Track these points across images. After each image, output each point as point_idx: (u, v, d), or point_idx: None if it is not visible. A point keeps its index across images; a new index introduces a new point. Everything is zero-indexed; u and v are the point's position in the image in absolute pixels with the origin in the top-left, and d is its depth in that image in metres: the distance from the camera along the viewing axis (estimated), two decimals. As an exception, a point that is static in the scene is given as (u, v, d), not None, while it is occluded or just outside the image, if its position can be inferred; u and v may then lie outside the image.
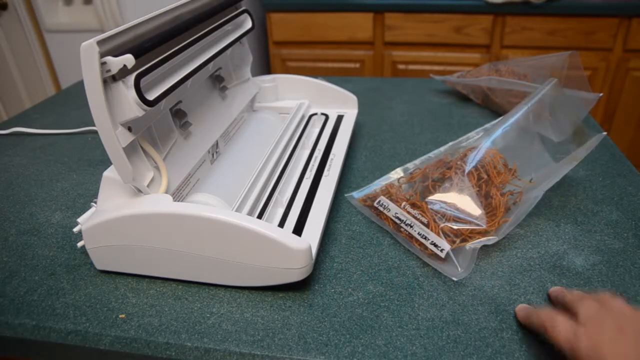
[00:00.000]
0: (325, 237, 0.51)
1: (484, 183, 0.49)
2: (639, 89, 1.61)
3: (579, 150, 0.52)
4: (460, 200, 0.48)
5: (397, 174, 0.56)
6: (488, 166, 0.50)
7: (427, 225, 0.47)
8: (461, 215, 0.47)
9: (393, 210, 0.49)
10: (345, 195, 0.55)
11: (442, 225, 0.46)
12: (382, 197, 0.51)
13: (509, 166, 0.52)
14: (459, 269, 0.44)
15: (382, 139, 0.72)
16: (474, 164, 0.50)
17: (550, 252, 0.47)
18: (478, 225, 0.46)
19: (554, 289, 0.42)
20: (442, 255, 0.45)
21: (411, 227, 0.47)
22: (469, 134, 0.56)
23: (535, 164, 0.53)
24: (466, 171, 0.49)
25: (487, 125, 0.56)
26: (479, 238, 0.46)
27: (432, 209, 0.48)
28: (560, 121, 0.69)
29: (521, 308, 0.40)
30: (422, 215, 0.47)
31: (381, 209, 0.51)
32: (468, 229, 0.46)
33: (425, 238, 0.46)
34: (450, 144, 0.56)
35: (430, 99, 0.86)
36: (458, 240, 0.46)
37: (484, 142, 0.52)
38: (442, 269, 0.45)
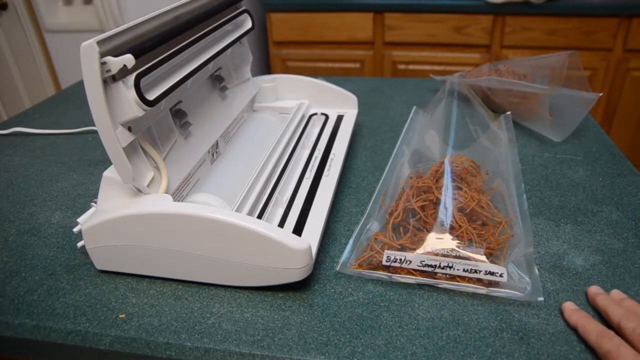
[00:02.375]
0: (325, 237, 0.51)
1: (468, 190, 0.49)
2: (639, 89, 1.61)
3: (498, 130, 0.54)
4: (470, 216, 0.46)
5: (370, 221, 0.49)
6: (463, 174, 0.50)
7: (467, 258, 0.42)
8: (482, 232, 0.45)
9: (416, 260, 0.43)
10: (337, 269, 0.46)
11: (484, 249, 0.43)
12: (388, 252, 0.44)
13: (478, 165, 0.52)
14: (529, 286, 0.41)
15: (382, 139, 0.72)
16: (450, 177, 0.48)
17: (550, 252, 0.47)
18: (503, 231, 0.45)
19: (593, 290, 0.41)
20: (505, 279, 0.41)
21: (450, 268, 0.42)
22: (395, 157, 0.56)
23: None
24: (448, 186, 0.47)
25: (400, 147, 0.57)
26: (510, 245, 0.44)
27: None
28: (560, 121, 0.69)
29: (572, 312, 0.38)
30: (453, 250, 0.43)
31: (398, 264, 0.44)
32: (499, 240, 0.45)
33: (476, 271, 0.42)
34: (385, 172, 0.55)
35: (430, 99, 0.86)
36: (502, 255, 0.43)
37: (446, 153, 0.53)
38: (506, 293, 0.41)
